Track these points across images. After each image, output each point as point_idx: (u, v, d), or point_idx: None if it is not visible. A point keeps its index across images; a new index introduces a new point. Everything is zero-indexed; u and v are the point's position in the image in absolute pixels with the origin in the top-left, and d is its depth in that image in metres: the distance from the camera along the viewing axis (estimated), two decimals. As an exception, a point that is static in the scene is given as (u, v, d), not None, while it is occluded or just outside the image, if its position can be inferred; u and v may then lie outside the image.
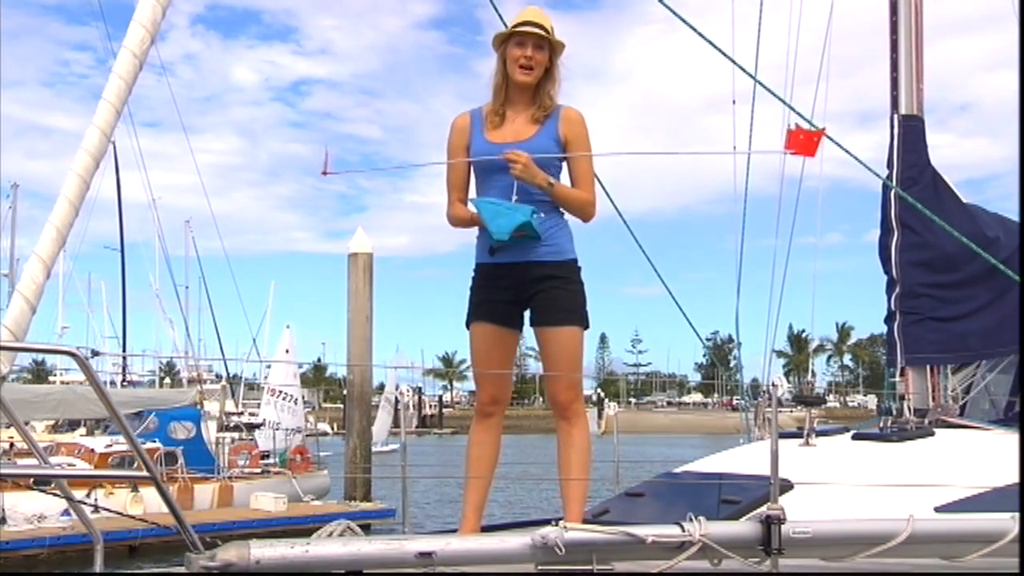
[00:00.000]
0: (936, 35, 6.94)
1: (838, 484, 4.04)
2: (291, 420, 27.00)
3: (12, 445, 19.01)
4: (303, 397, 31.13)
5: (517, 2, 4.68)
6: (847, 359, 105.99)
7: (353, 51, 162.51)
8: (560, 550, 2.88)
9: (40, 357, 65.22)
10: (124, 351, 36.63)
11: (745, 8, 6.91)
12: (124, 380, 31.76)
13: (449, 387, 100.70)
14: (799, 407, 5.31)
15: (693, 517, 3.00)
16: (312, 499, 21.50)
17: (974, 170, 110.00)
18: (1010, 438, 4.89)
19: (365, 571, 2.82)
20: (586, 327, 3.95)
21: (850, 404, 79.83)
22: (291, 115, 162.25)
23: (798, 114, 4.78)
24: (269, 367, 34.14)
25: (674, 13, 4.66)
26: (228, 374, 37.24)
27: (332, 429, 46.20)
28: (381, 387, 38.15)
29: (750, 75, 5.32)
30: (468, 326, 4.04)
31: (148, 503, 16.66)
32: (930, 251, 5.69)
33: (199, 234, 48.41)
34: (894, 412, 5.56)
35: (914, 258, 5.73)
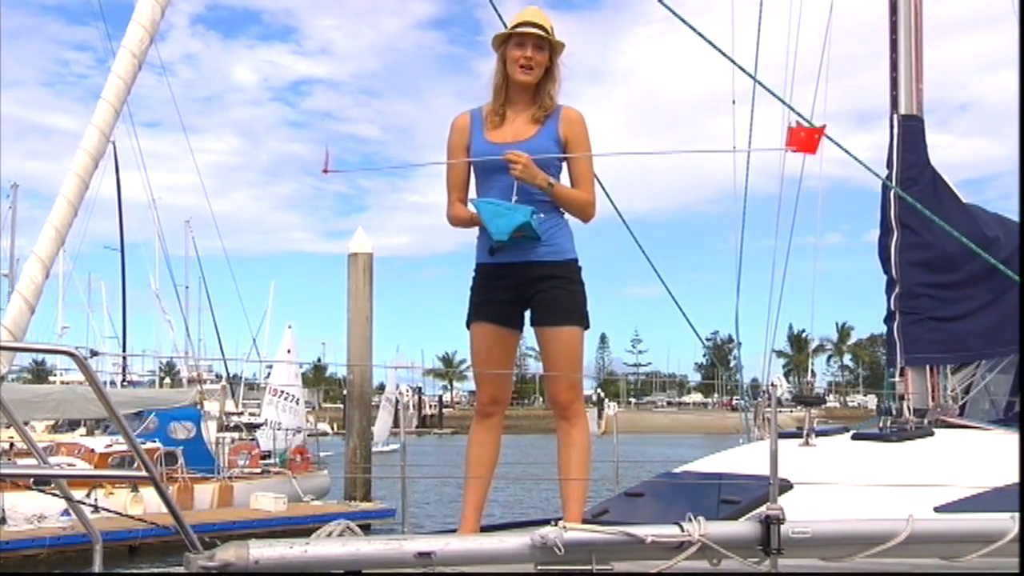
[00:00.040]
0: (936, 35, 6.94)
1: (838, 484, 4.04)
2: (292, 420, 27.03)
3: (12, 445, 19.00)
4: (303, 397, 31.15)
5: (517, 2, 4.69)
6: (847, 359, 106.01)
7: (353, 51, 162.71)
8: (559, 550, 2.88)
9: (40, 357, 65.32)
10: (124, 351, 36.66)
11: (745, 8, 6.91)
12: (124, 380, 31.73)
13: (449, 387, 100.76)
14: (799, 407, 5.31)
15: (692, 517, 3.00)
16: (312, 499, 21.50)
17: (974, 170, 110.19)
18: (1010, 438, 4.89)
19: (364, 571, 2.82)
20: (586, 327, 3.95)
21: (850, 404, 79.82)
22: (291, 115, 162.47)
23: (797, 114, 4.79)
24: (270, 367, 34.18)
25: (674, 13, 4.66)
26: (228, 374, 37.31)
27: (332, 429, 46.21)
28: (381, 387, 38.17)
29: (750, 75, 5.31)
30: (468, 326, 4.04)
31: (148, 503, 16.67)
32: (930, 251, 5.69)
33: (199, 234, 48.49)
34: (894, 412, 5.56)
35: (914, 258, 5.73)
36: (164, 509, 2.75)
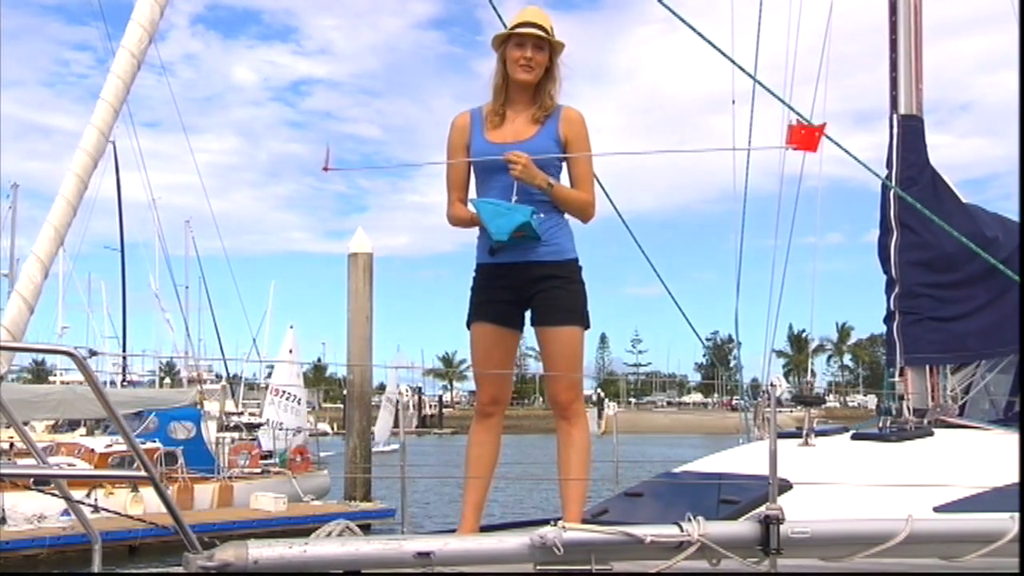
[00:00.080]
0: (936, 35, 6.95)
1: (837, 484, 4.04)
2: (294, 420, 27.05)
3: (12, 445, 19.00)
4: (305, 397, 31.16)
5: (517, 2, 4.69)
6: (847, 359, 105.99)
7: (353, 51, 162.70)
8: (559, 550, 2.88)
9: (40, 357, 65.32)
10: (124, 351, 36.68)
11: (745, 8, 6.91)
12: (124, 380, 31.74)
13: (449, 387, 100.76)
14: (799, 407, 5.31)
15: (692, 517, 3.00)
16: (312, 499, 21.50)
17: (974, 170, 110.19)
18: (1010, 438, 4.89)
19: (363, 571, 2.82)
20: (587, 327, 3.95)
21: (850, 404, 79.82)
22: (291, 115, 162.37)
23: (797, 114, 4.79)
24: (271, 367, 34.19)
25: (674, 13, 4.65)
26: (228, 374, 37.34)
27: (332, 429, 46.22)
28: (381, 387, 38.18)
29: (750, 75, 5.31)
30: (468, 326, 4.04)
31: (148, 503, 16.66)
32: (929, 251, 5.69)
33: (199, 234, 48.55)
34: (893, 412, 5.56)
35: (913, 258, 5.73)
36: (164, 509, 2.75)
